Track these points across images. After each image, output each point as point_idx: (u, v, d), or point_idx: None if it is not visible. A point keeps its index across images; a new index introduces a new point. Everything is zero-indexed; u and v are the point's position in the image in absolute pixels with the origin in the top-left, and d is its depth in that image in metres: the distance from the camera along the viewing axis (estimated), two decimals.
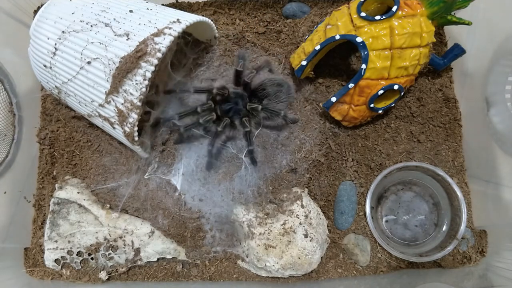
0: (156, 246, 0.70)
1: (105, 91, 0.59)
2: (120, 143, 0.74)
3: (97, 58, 0.59)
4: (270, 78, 0.71)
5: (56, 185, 0.73)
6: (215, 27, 0.73)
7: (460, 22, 0.67)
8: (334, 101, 0.68)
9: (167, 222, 0.71)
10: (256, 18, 0.81)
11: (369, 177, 0.75)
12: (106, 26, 0.60)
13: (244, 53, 0.70)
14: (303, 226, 0.67)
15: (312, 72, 0.76)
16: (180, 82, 0.71)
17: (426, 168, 0.72)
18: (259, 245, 0.66)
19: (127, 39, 0.58)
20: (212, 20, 0.71)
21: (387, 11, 0.64)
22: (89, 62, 0.59)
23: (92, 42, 0.59)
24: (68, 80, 0.62)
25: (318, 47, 0.67)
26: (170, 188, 0.72)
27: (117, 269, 0.70)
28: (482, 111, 0.74)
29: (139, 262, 0.70)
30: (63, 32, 0.61)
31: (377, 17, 0.63)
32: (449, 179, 0.70)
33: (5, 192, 0.73)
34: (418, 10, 0.64)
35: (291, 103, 0.74)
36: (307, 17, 0.80)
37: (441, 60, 0.74)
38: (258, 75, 0.71)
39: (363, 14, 0.64)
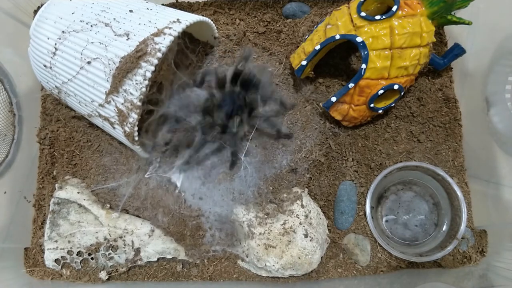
0: (156, 246, 0.70)
1: (105, 91, 0.59)
2: (120, 143, 0.74)
3: (97, 58, 0.59)
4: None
5: (56, 185, 0.73)
6: (215, 27, 0.73)
7: (460, 22, 0.67)
8: (334, 101, 0.68)
9: (166, 220, 0.71)
10: (256, 18, 0.81)
11: (369, 177, 0.75)
12: (106, 26, 0.60)
13: (249, 51, 0.66)
14: (303, 226, 0.67)
15: (312, 72, 0.77)
16: (183, 80, 0.70)
17: (426, 168, 0.72)
18: (259, 245, 0.66)
19: (127, 39, 0.58)
20: (212, 20, 0.71)
21: (387, 11, 0.64)
22: (89, 62, 0.59)
23: (92, 42, 0.59)
24: (68, 80, 0.62)
25: (318, 47, 0.67)
26: (170, 186, 0.72)
27: (117, 269, 0.70)
28: (482, 111, 0.74)
29: (139, 262, 0.70)
30: (63, 32, 0.61)
31: (377, 17, 0.63)
32: (449, 179, 0.70)
33: (5, 192, 0.73)
34: (418, 10, 0.64)
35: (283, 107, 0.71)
36: (307, 17, 0.80)
37: (441, 60, 0.74)
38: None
39: (363, 14, 0.64)
